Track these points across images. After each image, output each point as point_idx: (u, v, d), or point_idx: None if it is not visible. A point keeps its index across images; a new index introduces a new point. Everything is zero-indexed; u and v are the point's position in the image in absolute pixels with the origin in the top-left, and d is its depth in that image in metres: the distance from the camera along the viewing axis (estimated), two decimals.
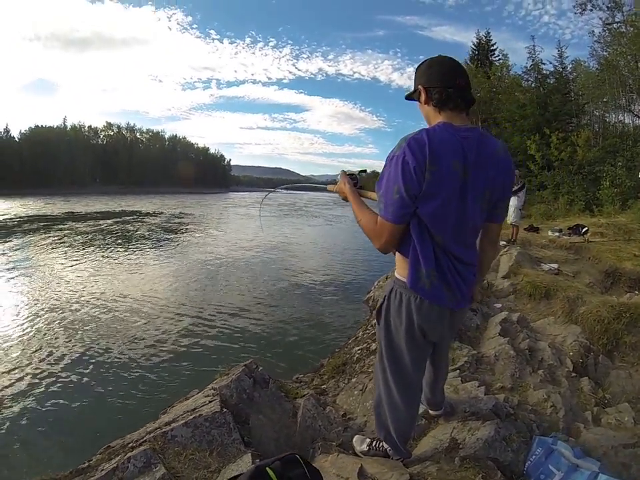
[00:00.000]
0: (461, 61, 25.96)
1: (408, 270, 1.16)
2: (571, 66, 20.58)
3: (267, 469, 0.73)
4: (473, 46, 25.16)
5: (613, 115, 18.95)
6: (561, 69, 20.36)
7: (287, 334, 6.30)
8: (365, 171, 1.46)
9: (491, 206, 1.19)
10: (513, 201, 7.18)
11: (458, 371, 2.40)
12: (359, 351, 3.24)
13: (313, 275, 10.44)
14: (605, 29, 16.93)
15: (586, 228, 7.24)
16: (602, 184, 12.09)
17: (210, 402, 1.76)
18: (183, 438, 1.56)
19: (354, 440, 1.73)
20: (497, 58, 24.33)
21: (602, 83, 17.18)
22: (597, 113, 19.24)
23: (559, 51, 20.39)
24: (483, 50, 24.64)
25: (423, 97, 1.16)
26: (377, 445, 1.58)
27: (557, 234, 7.38)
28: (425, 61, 1.17)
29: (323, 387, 2.80)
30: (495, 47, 24.70)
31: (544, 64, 20.80)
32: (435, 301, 1.17)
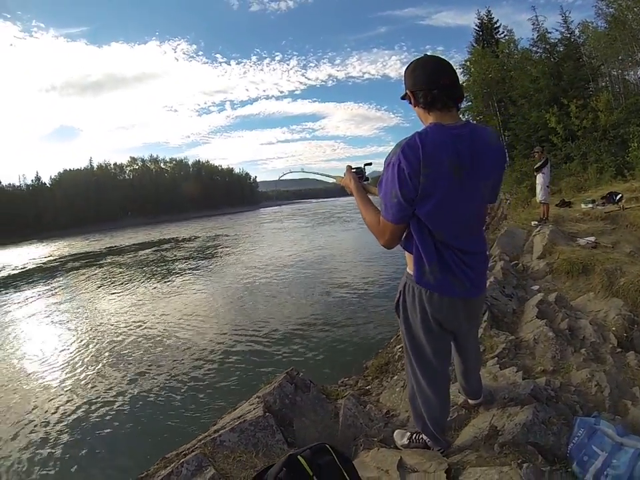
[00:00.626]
0: (466, 43, 25.25)
1: (413, 266, 1.22)
2: (578, 30, 19.54)
3: (299, 457, 0.81)
4: (475, 27, 24.67)
5: (632, 72, 17.83)
6: (568, 35, 19.35)
7: (331, 341, 6.40)
8: (370, 163, 1.50)
9: (489, 191, 1.23)
10: (539, 179, 6.87)
11: (496, 358, 2.35)
12: (400, 349, 3.21)
13: (351, 281, 10.42)
14: None
15: (620, 195, 6.85)
16: (630, 146, 11.45)
17: (254, 409, 1.87)
18: (231, 442, 1.67)
19: (394, 434, 1.77)
20: (502, 35, 23.66)
21: (613, 41, 16.32)
22: (615, 73, 18.14)
23: (562, 16, 19.49)
24: (487, 29, 24.06)
25: (412, 100, 1.21)
26: (417, 438, 1.61)
27: (590, 205, 7.05)
28: (411, 63, 1.21)
29: (367, 387, 2.83)
30: (498, 24, 24.09)
31: (550, 32, 19.92)
32: (443, 293, 1.21)
